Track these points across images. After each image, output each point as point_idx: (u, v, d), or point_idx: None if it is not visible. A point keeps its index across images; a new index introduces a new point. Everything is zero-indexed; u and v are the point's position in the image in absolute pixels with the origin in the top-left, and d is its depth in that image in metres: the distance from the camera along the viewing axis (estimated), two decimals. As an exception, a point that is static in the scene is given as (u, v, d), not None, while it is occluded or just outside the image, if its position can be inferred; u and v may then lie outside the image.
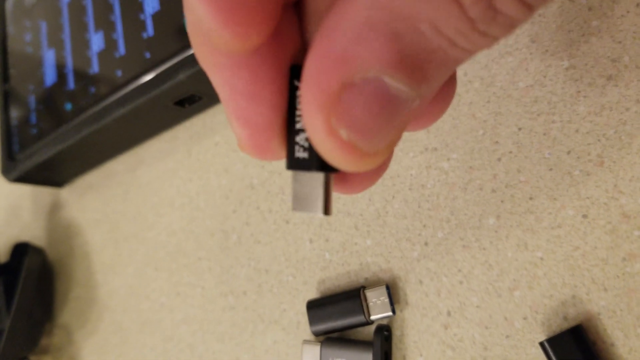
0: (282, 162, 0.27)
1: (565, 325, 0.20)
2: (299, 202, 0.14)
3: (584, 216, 0.20)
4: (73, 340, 0.34)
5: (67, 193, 0.38)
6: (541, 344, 0.19)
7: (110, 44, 0.30)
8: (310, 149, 0.13)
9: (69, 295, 0.35)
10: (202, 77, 0.27)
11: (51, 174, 0.36)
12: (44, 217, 0.39)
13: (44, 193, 0.39)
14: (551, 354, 0.19)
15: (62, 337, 0.35)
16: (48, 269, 0.36)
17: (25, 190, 0.41)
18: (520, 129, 0.21)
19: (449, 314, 0.22)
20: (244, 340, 0.27)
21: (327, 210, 0.13)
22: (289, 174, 0.27)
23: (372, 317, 0.23)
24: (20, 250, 0.35)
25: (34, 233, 0.39)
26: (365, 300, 0.23)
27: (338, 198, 0.25)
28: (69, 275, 0.36)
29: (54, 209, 0.38)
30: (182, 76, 0.27)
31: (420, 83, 0.11)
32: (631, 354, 0.18)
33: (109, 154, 0.35)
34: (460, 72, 0.23)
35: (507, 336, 0.21)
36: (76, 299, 0.35)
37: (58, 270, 0.37)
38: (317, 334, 0.24)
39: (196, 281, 0.30)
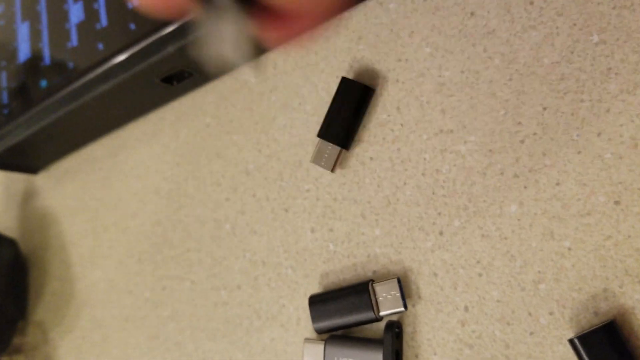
0: (281, 146, 0.25)
1: (596, 321, 0.18)
2: (213, 47, 0.12)
3: (616, 203, 0.18)
4: (48, 339, 0.32)
5: (42, 180, 0.35)
6: (571, 341, 0.18)
7: (91, 14, 0.28)
8: None
9: (44, 290, 0.33)
10: (192, 51, 0.25)
11: (25, 158, 0.34)
12: (16, 205, 0.36)
13: (17, 180, 0.37)
14: (582, 352, 0.18)
15: (37, 336, 0.33)
16: (21, 262, 0.34)
17: (-5, 177, 0.38)
18: (545, 108, 0.20)
19: (466, 309, 0.20)
20: (238, 338, 0.25)
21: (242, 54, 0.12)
22: (288, 158, 0.25)
23: (382, 313, 0.21)
24: (-10, 241, 0.32)
25: (6, 223, 0.37)
26: (374, 294, 0.21)
27: (343, 184, 0.23)
28: (44, 268, 0.33)
29: (28, 196, 0.36)
30: (170, 49, 0.25)
31: None
32: (669, 352, 0.17)
33: (89, 137, 0.32)
34: (479, 48, 0.21)
35: (532, 333, 0.19)
36: (52, 294, 0.33)
37: (32, 263, 0.34)
38: (320, 332, 0.22)
39: (184, 274, 0.28)
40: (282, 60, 0.26)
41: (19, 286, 0.33)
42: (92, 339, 0.30)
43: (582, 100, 0.19)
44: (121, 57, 0.26)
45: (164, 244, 0.29)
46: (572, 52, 0.20)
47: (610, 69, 0.19)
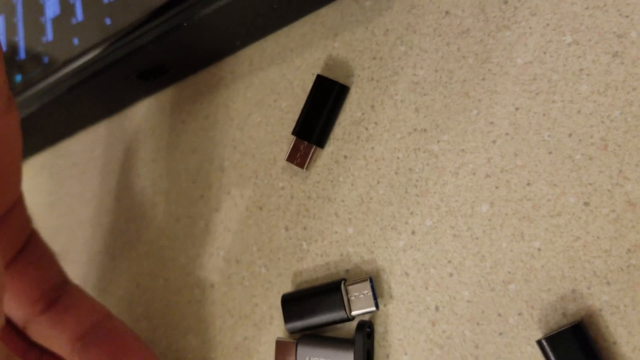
0: (255, 143, 0.25)
1: (564, 322, 0.18)
2: None
3: (586, 204, 0.18)
4: (21, 336, 0.32)
5: (17, 175, 0.35)
6: (539, 342, 0.18)
7: (67, 9, 0.27)
8: None
9: (18, 287, 0.32)
10: (168, 46, 0.25)
11: None
12: (-10, 200, 0.36)
13: (-8, 175, 0.36)
14: (550, 353, 0.18)
15: (9, 332, 0.32)
16: (-6, 258, 0.33)
17: (-30, 172, 0.38)
18: (517, 109, 0.20)
19: (437, 309, 0.20)
20: (211, 336, 0.25)
21: None
22: (263, 156, 0.25)
23: (354, 313, 0.21)
24: (-37, 236, 0.32)
25: (-21, 218, 0.36)
26: (347, 294, 0.21)
27: (317, 183, 0.23)
28: (17, 264, 0.33)
29: (2, 192, 0.35)
30: (146, 45, 0.24)
31: None
32: (635, 353, 0.17)
33: (65, 132, 0.32)
34: (453, 47, 0.21)
35: (501, 333, 0.19)
36: (25, 290, 0.32)
37: (6, 259, 0.34)
38: (292, 331, 0.22)
39: (158, 271, 0.27)
40: (258, 56, 0.26)
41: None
42: (65, 336, 0.30)
43: (553, 101, 0.19)
44: (96, 52, 0.26)
45: (137, 241, 0.28)
46: (544, 53, 0.20)
47: (582, 69, 0.19)
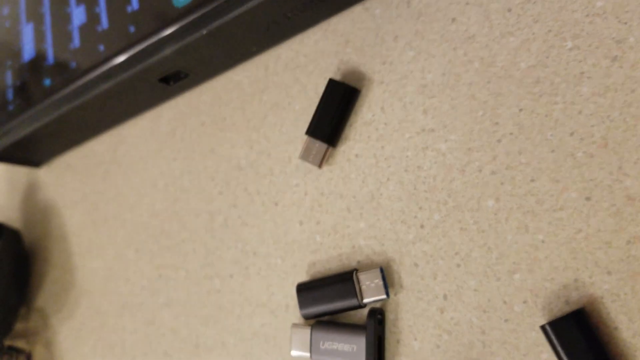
0: (271, 143, 0.25)
1: (567, 309, 0.18)
2: None
3: (587, 199, 0.18)
4: (49, 325, 0.31)
5: (44, 173, 0.34)
6: (542, 327, 0.17)
7: (93, 17, 0.27)
8: None
9: (46, 279, 0.32)
10: (188, 53, 0.24)
11: (28, 153, 0.32)
12: (20, 197, 0.35)
13: (20, 173, 0.36)
14: (553, 337, 0.17)
15: (38, 321, 0.32)
16: (24, 252, 0.33)
17: (0, 170, 0.37)
18: (521, 110, 0.19)
19: (445, 297, 0.20)
20: (230, 324, 0.25)
21: None
22: (278, 155, 0.24)
23: (365, 300, 0.21)
24: (-6, 231, 0.31)
25: (9, 214, 0.35)
26: (358, 282, 0.21)
27: (330, 180, 0.23)
28: (45, 257, 0.32)
29: (31, 189, 0.34)
30: (167, 51, 0.24)
31: None
32: (635, 338, 0.17)
33: (89, 133, 0.31)
34: (460, 52, 0.21)
35: (506, 320, 0.19)
36: (53, 282, 0.32)
37: (34, 253, 0.33)
38: (307, 317, 0.22)
39: (180, 263, 0.27)
40: (273, 62, 0.25)
41: (22, 274, 0.32)
42: (91, 325, 0.29)
43: (556, 102, 0.19)
44: (121, 58, 0.25)
45: (160, 234, 0.28)
46: (547, 57, 0.19)
47: (582, 73, 0.19)
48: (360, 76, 0.23)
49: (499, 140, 0.20)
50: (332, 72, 0.24)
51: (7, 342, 0.31)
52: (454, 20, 0.21)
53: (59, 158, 0.33)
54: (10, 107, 0.30)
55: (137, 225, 0.29)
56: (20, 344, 0.32)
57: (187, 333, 0.26)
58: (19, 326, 0.32)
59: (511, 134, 0.19)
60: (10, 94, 0.30)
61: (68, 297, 0.31)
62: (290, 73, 0.25)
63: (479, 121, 0.20)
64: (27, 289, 0.32)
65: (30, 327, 0.32)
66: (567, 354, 0.17)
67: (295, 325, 0.22)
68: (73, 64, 0.27)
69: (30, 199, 0.34)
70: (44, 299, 0.32)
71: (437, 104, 0.21)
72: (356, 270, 0.21)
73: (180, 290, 0.26)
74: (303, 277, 0.23)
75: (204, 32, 0.23)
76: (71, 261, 0.31)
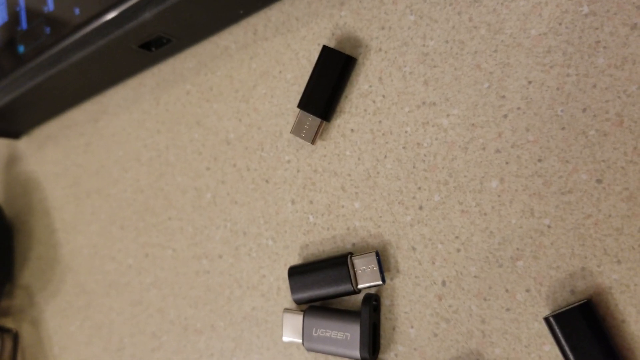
0: (261, 115, 0.24)
1: (572, 300, 0.17)
2: None
3: (599, 181, 0.17)
4: (35, 302, 0.31)
5: (24, 144, 0.34)
6: (546, 319, 0.17)
7: (66, -24, 0.25)
8: None
9: (30, 255, 0.32)
10: (170, 16, 0.23)
11: (6, 123, 0.32)
12: (-1, 170, 0.35)
13: (0, 144, 0.35)
14: (557, 330, 0.17)
15: (24, 299, 0.32)
16: (6, 226, 0.32)
17: (-22, 141, 0.37)
18: (530, 82, 0.18)
19: (444, 283, 0.19)
20: (220, 306, 0.24)
21: None
22: (269, 128, 0.24)
23: (360, 286, 0.20)
24: (-27, 206, 0.31)
25: (-11, 187, 0.35)
26: (353, 267, 0.20)
27: (323, 156, 0.22)
28: (28, 232, 0.32)
29: (11, 161, 0.34)
30: (148, 15, 0.23)
31: None
32: (644, 331, 0.16)
33: (69, 102, 0.31)
34: (465, 16, 0.20)
35: (508, 309, 0.18)
36: (37, 258, 0.32)
37: (17, 227, 0.33)
38: (299, 302, 0.22)
39: (166, 242, 0.26)
40: (262, 25, 0.24)
41: (5, 250, 0.32)
42: (77, 303, 0.29)
43: (568, 75, 0.18)
44: (98, 23, 0.24)
45: (145, 211, 0.27)
46: (560, 24, 0.18)
47: (598, 42, 0.17)
48: (356, 43, 0.22)
49: (505, 116, 0.19)
50: (326, 37, 0.22)
51: (-7, 320, 0.32)
52: (459, -19, 0.20)
53: (39, 128, 0.33)
54: (-17, 75, 0.29)
55: (121, 201, 0.28)
56: (6, 322, 0.32)
57: (175, 315, 0.26)
58: (4, 303, 0.32)
59: (518, 108, 0.18)
60: (-18, 60, 0.29)
61: (53, 275, 0.31)
62: (281, 38, 0.24)
63: (483, 94, 0.19)
64: (11, 265, 0.32)
65: (15, 304, 0.32)
66: (572, 348, 0.16)
67: (287, 310, 0.22)
68: (48, 29, 0.26)
69: (11, 172, 0.34)
70: (28, 275, 0.32)
71: (439, 75, 0.20)
72: (351, 254, 0.21)
73: (168, 270, 0.26)
74: (295, 260, 0.23)
75: (186, -7, 0.22)
76: (55, 237, 0.31)
